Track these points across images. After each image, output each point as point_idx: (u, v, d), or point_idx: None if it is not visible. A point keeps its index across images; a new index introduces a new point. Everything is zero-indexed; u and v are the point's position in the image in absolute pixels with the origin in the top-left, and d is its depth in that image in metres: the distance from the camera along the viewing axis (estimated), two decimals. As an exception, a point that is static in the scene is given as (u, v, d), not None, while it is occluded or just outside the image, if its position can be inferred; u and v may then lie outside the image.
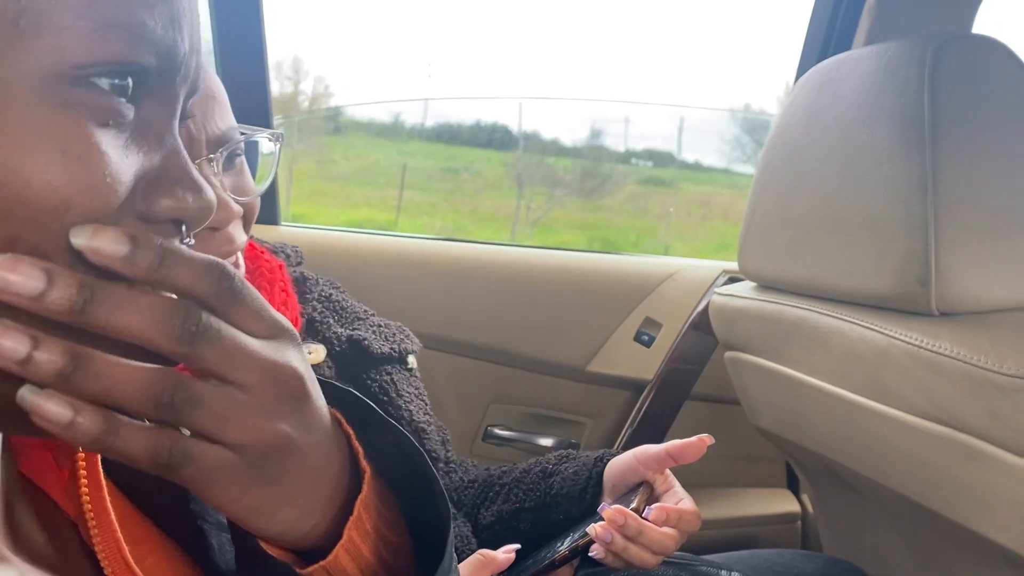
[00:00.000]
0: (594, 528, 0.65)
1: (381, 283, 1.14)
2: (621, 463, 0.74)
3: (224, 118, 0.62)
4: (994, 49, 0.68)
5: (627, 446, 1.15)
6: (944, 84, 0.65)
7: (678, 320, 1.17)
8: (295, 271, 0.80)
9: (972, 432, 0.62)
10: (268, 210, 1.14)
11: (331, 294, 0.81)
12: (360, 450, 0.34)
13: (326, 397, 0.32)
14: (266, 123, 1.08)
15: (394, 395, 0.76)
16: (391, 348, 0.77)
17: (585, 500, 0.73)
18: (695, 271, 1.23)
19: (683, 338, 1.16)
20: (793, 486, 1.26)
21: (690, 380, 1.17)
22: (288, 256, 0.82)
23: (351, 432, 0.34)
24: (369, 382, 0.75)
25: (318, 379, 0.32)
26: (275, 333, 0.29)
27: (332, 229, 1.30)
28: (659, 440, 1.16)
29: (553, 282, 1.20)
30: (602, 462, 0.75)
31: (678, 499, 0.70)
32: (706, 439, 0.68)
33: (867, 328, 0.70)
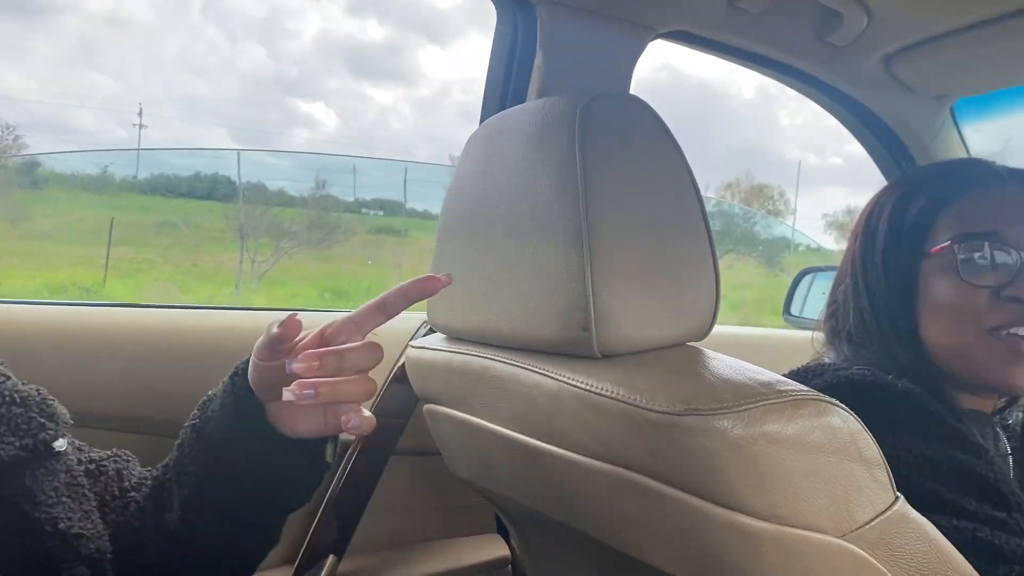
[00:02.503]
0: (288, 391, 0.59)
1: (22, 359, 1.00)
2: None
3: None
4: (636, 106, 0.73)
5: (334, 506, 1.12)
6: (592, 138, 0.69)
7: (380, 374, 1.15)
8: None
9: (636, 469, 0.65)
10: None
11: None
12: None
13: None
14: None
15: (28, 508, 0.63)
16: (21, 447, 0.64)
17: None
18: (397, 323, 1.21)
19: (386, 392, 1.14)
20: (503, 530, 1.27)
21: (395, 434, 1.15)
22: None
23: None
24: None
25: None
26: None
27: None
28: (365, 501, 1.13)
29: (232, 342, 1.13)
30: (239, 374, 0.69)
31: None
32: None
33: (540, 374, 0.72)
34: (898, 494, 0.64)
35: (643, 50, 1.09)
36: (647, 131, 0.72)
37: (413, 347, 0.94)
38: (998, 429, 0.99)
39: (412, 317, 1.24)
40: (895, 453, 0.75)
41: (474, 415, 0.83)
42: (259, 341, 0.66)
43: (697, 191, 0.72)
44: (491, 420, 0.80)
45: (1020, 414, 1.03)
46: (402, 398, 1.13)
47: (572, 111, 0.69)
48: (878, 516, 0.62)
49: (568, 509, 0.76)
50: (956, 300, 0.90)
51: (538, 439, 0.74)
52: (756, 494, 0.59)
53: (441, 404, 0.90)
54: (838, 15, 1.23)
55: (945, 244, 0.90)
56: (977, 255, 0.89)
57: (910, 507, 0.65)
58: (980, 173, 0.95)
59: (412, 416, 1.14)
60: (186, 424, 0.73)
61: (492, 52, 1.13)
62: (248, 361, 0.69)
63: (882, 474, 0.64)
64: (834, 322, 1.00)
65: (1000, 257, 0.89)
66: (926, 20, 1.25)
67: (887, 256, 0.94)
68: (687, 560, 0.65)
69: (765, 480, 0.59)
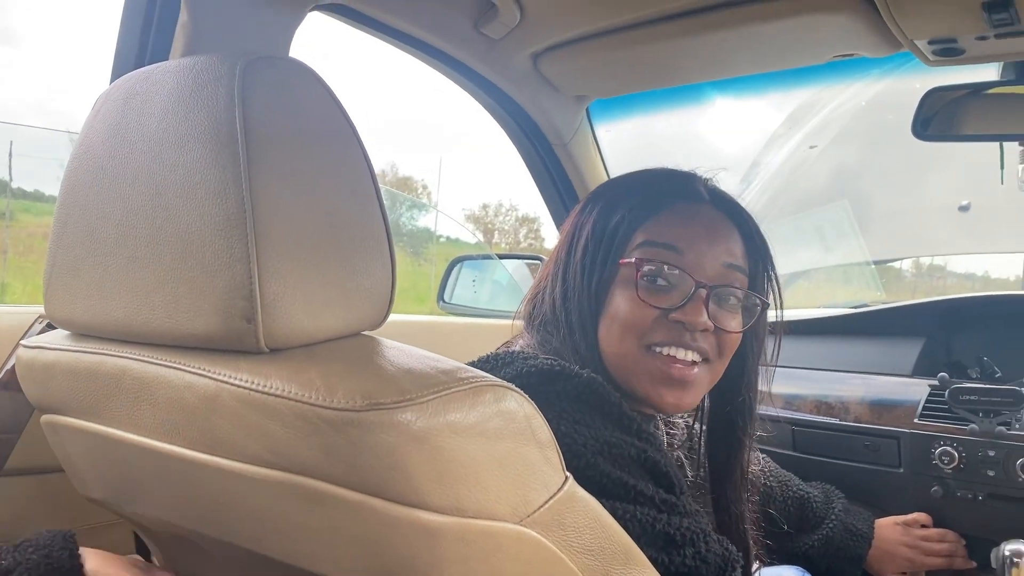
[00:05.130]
0: None
1: None
2: None
3: None
4: (302, 72, 0.66)
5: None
6: (256, 103, 0.61)
7: (-19, 382, 0.95)
8: None
9: (310, 473, 0.59)
10: None
11: None
12: None
13: None
14: None
15: None
16: None
17: None
18: (4, 319, 1.01)
19: (-10, 403, 0.94)
20: (143, 550, 1.12)
21: (3, 452, 0.95)
22: None
23: None
24: None
25: None
26: None
27: None
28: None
29: None
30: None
31: None
32: None
33: (194, 373, 0.62)
34: (567, 474, 0.66)
35: (301, 20, 1.02)
36: (316, 100, 0.65)
37: (26, 347, 0.78)
38: (661, 423, 1.09)
39: (23, 311, 1.03)
40: (583, 440, 0.78)
41: (110, 426, 0.70)
42: None
43: (371, 168, 0.67)
44: (132, 431, 0.68)
45: (685, 419, 1.14)
46: (12, 408, 0.93)
47: (231, 71, 0.61)
48: (551, 497, 0.63)
49: (230, 526, 0.67)
50: (629, 313, 0.94)
51: (193, 449, 0.64)
52: (438, 488, 0.56)
53: (65, 414, 0.75)
54: (494, 7, 1.26)
55: (631, 259, 0.94)
56: (657, 278, 0.94)
57: (578, 485, 0.66)
58: (681, 189, 1.00)
59: (26, 429, 0.96)
60: None
61: (126, 4, 0.98)
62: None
63: (553, 455, 0.64)
64: (531, 308, 1.02)
65: (676, 281, 0.94)
66: (570, 21, 1.33)
67: (586, 258, 0.97)
68: (365, 565, 0.61)
69: (447, 472, 0.56)
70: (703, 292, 0.93)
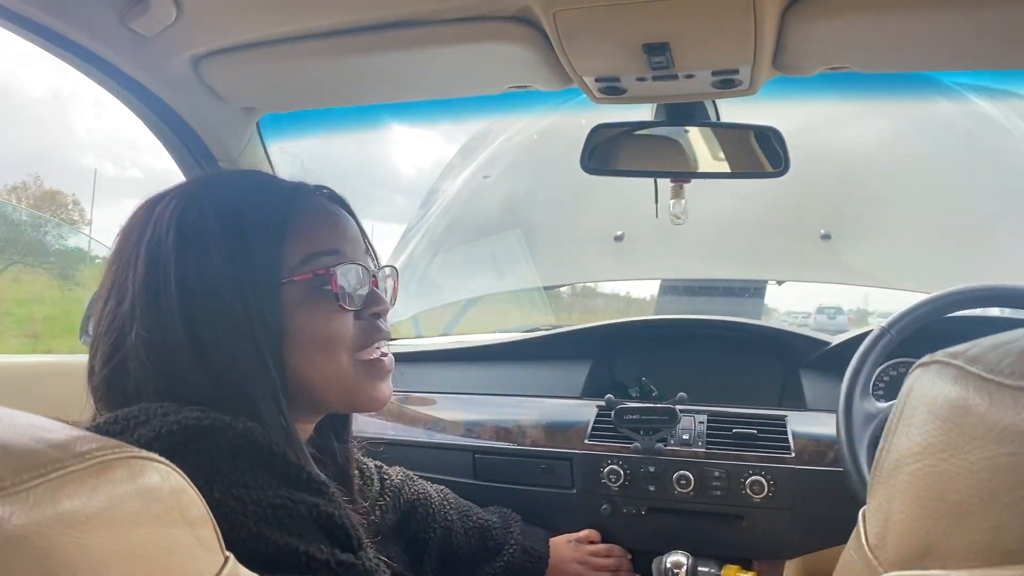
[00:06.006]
0: None
1: None
2: None
3: None
4: None
5: None
6: None
7: None
8: None
9: None
10: None
11: None
12: None
13: None
14: None
15: None
16: None
17: None
18: None
19: None
20: None
21: None
22: None
23: None
24: None
25: None
26: None
27: None
28: None
29: None
30: None
31: None
32: None
33: None
34: (227, 554, 0.55)
35: None
36: None
37: None
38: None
39: None
40: (242, 508, 0.67)
41: None
42: None
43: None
44: None
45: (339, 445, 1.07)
46: None
47: None
48: (210, 586, 0.52)
49: None
50: (330, 329, 0.87)
51: None
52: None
53: None
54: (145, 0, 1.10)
55: (307, 275, 0.86)
56: (343, 283, 0.88)
57: (241, 566, 0.56)
58: (289, 189, 0.92)
59: None
60: None
61: None
62: None
63: (209, 533, 0.54)
64: (118, 364, 0.81)
65: (358, 279, 0.90)
66: (234, 24, 1.20)
67: (227, 291, 0.81)
68: None
69: (62, 579, 0.43)
70: (375, 279, 0.94)
